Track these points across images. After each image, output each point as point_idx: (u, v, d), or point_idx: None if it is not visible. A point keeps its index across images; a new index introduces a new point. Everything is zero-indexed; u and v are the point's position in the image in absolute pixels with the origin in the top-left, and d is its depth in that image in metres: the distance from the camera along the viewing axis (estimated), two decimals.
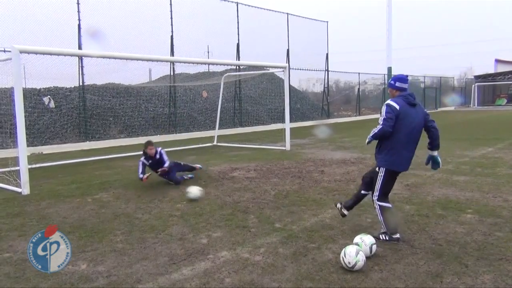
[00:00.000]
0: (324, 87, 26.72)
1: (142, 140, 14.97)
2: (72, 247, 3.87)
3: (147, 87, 18.41)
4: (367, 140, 4.55)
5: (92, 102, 15.81)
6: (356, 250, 3.80)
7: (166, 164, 7.44)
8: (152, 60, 11.75)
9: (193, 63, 16.20)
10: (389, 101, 4.43)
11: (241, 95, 21.22)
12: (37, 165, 9.56)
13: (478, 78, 46.58)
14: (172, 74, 18.02)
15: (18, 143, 7.23)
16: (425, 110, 4.68)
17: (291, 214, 5.60)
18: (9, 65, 7.30)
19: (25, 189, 7.12)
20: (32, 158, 9.53)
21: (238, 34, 20.14)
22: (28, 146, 8.36)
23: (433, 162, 4.73)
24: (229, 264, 3.98)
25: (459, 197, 6.35)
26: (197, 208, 6.01)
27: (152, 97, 18.15)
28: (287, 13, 23.03)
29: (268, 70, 17.74)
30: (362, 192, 4.83)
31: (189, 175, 8.13)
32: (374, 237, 4.24)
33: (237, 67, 20.79)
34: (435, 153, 4.68)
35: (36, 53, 8.00)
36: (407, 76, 4.65)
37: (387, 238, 4.48)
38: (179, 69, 18.86)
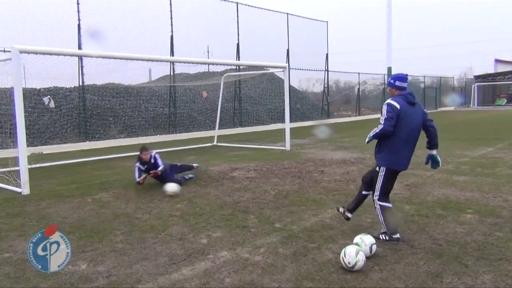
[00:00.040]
0: (324, 87, 26.73)
1: (142, 140, 15.10)
2: (72, 247, 3.87)
3: (147, 87, 18.41)
4: (367, 139, 4.57)
5: (92, 102, 15.80)
6: (356, 250, 3.80)
7: (160, 168, 7.47)
8: (152, 60, 11.76)
9: (193, 63, 16.20)
10: (389, 101, 4.43)
11: (241, 95, 21.22)
12: (37, 165, 9.55)
13: (478, 78, 46.59)
14: (172, 74, 18.02)
15: (18, 143, 7.23)
16: (424, 109, 4.69)
17: (291, 214, 5.60)
18: (9, 65, 7.29)
19: (25, 189, 7.11)
20: (32, 158, 9.52)
21: (238, 34, 20.13)
22: (28, 146, 8.36)
23: (433, 161, 4.74)
24: (229, 264, 3.98)
25: (459, 197, 6.35)
26: (197, 208, 6.01)
27: (152, 97, 18.16)
28: (287, 13, 23.04)
29: (268, 70, 17.74)
30: (363, 192, 4.83)
31: (190, 175, 8.14)
32: (374, 237, 4.24)
33: (237, 67, 20.79)
34: (434, 152, 4.69)
35: (36, 53, 8.01)
36: (406, 75, 4.66)
37: (387, 238, 4.49)
38: (179, 69, 18.87)
